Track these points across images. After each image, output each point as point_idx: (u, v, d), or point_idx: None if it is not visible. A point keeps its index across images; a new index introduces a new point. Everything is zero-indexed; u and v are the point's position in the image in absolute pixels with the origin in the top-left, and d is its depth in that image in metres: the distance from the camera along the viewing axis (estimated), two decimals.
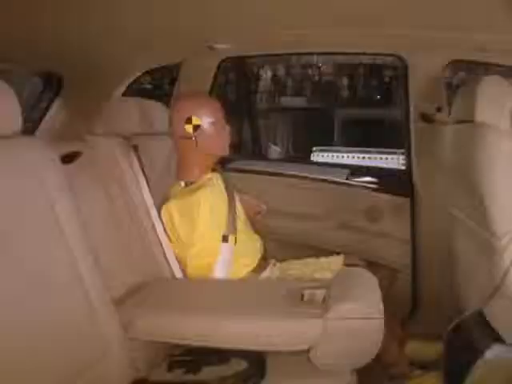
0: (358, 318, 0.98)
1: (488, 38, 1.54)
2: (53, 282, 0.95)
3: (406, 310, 1.92)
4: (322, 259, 1.65)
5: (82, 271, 1.01)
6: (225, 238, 1.44)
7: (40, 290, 0.92)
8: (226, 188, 1.55)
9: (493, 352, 1.10)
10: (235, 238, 1.46)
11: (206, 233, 1.42)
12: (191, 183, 1.50)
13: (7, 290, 0.85)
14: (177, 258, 1.46)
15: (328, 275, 1.45)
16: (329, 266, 1.59)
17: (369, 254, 1.91)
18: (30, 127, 1.76)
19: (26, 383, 0.85)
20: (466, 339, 1.20)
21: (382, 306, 1.00)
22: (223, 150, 1.55)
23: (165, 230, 1.45)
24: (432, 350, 1.57)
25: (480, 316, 1.20)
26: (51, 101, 1.76)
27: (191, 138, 1.48)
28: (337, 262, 1.62)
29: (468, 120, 1.33)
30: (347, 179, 2.08)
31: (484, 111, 1.26)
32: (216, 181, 1.54)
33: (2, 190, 0.90)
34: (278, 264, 1.64)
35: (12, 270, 0.87)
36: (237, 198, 1.60)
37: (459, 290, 1.57)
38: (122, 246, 1.34)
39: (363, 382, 1.19)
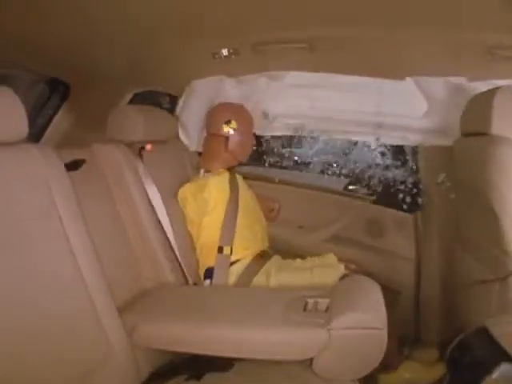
0: (362, 328, 0.98)
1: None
2: (57, 289, 0.96)
3: (408, 335, 1.79)
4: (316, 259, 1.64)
5: (86, 277, 1.02)
6: (220, 249, 1.50)
7: (44, 295, 0.92)
8: (231, 189, 1.60)
9: (501, 371, 1.03)
10: (231, 248, 1.51)
11: (217, 205, 1.55)
12: (208, 171, 1.66)
13: (11, 294, 0.86)
14: (190, 237, 1.59)
15: (326, 276, 1.47)
16: (325, 263, 1.59)
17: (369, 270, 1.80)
18: (35, 134, 1.76)
19: None
20: (471, 357, 1.16)
21: (385, 317, 1.00)
22: (244, 156, 1.77)
23: (173, 229, 1.47)
24: (431, 372, 1.53)
25: (485, 333, 1.15)
26: (57, 107, 1.76)
27: (225, 137, 1.68)
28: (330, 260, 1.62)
29: (479, 132, 1.28)
30: (345, 189, 2.03)
31: (501, 123, 1.21)
32: (224, 177, 1.66)
33: (7, 197, 0.91)
34: (280, 258, 1.65)
35: (17, 275, 0.88)
36: (248, 192, 1.74)
37: (465, 310, 1.51)
38: (126, 253, 1.35)
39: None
